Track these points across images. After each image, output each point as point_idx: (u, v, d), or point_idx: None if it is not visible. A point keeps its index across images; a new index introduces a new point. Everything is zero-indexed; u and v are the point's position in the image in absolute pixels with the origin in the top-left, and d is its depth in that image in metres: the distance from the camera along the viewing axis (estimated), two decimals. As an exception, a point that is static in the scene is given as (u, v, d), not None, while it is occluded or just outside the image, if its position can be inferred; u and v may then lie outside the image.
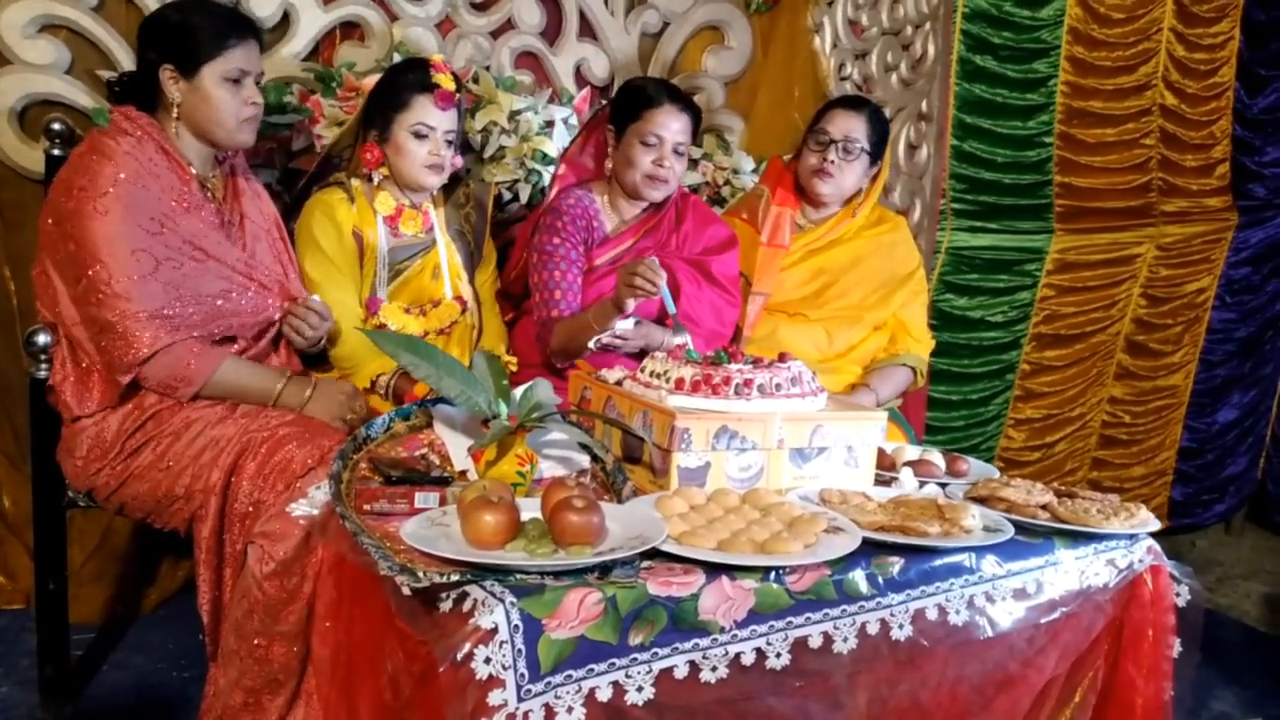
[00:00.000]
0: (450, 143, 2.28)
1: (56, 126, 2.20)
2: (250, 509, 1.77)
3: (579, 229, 2.39)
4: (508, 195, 2.72)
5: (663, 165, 2.36)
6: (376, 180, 2.32)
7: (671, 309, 2.17)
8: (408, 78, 2.24)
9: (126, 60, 2.38)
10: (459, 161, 2.35)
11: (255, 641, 1.68)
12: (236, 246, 2.05)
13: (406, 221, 2.32)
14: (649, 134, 2.35)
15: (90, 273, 1.84)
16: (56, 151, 2.21)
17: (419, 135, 2.23)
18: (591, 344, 2.22)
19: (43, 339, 1.99)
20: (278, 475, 1.78)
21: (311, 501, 1.68)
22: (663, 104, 2.37)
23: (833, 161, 2.56)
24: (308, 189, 2.33)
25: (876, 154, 2.61)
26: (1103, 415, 4.16)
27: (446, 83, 2.22)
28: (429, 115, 2.23)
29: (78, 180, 1.86)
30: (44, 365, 2.01)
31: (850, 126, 2.56)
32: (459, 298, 2.38)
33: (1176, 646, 1.75)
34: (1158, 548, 1.76)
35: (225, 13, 2.03)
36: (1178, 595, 1.75)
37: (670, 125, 2.36)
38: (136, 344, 1.85)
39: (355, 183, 2.30)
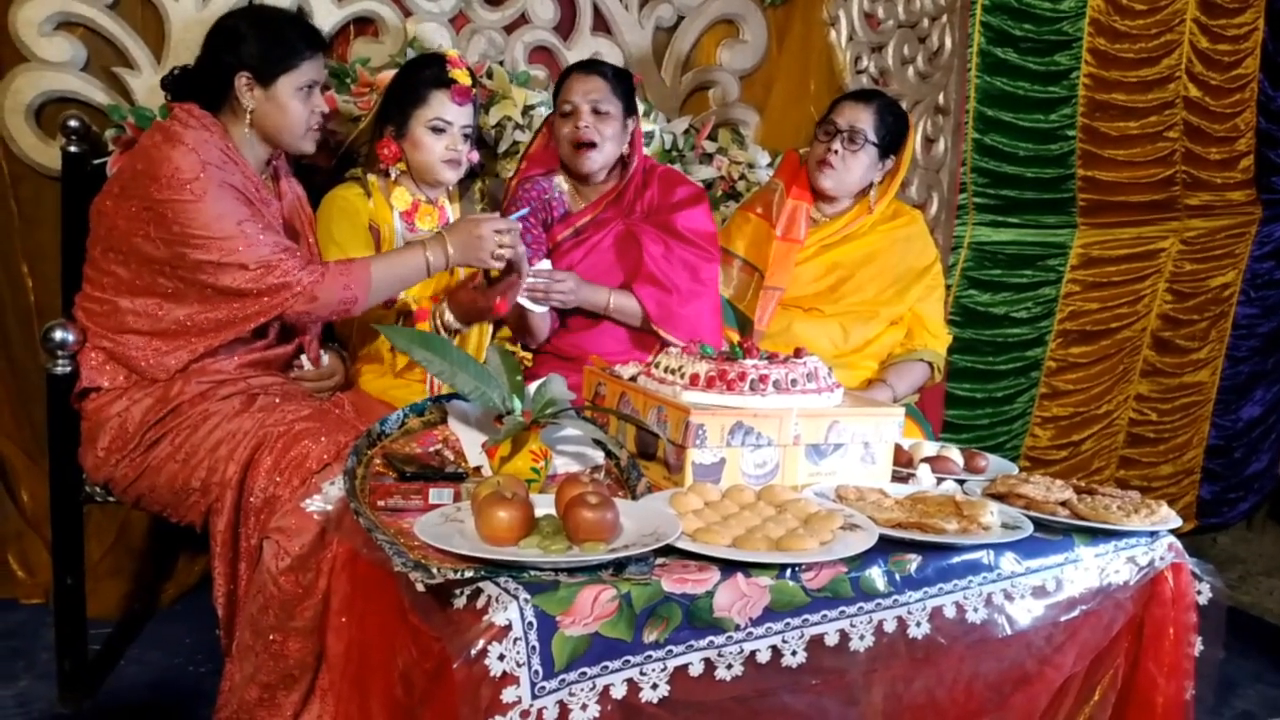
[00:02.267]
0: (467, 137, 2.28)
1: (73, 124, 2.21)
2: (265, 504, 1.78)
3: (535, 210, 2.39)
4: (522, 191, 2.71)
5: (579, 127, 2.34)
6: (393, 175, 2.31)
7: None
8: (424, 73, 2.24)
9: (143, 57, 2.39)
10: (475, 156, 2.36)
11: (270, 637, 1.68)
12: None
13: (422, 216, 2.32)
14: (563, 104, 2.37)
15: (213, 258, 1.87)
16: (73, 149, 2.22)
17: (436, 130, 2.24)
18: (528, 304, 2.23)
19: (59, 335, 1.98)
20: (293, 470, 1.78)
21: (326, 497, 1.68)
22: (570, 74, 2.40)
23: (836, 152, 2.53)
24: (328, 185, 2.33)
25: (887, 147, 2.58)
26: (1130, 413, 4.11)
27: (463, 78, 2.23)
28: (446, 110, 2.23)
29: (162, 170, 1.87)
30: (61, 361, 2.01)
31: (856, 116, 2.53)
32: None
33: (1198, 645, 1.73)
34: (1179, 545, 1.74)
35: (301, 25, 2.08)
36: (1199, 593, 1.73)
37: (578, 88, 2.35)
38: (299, 286, 1.89)
39: (371, 178, 2.30)
